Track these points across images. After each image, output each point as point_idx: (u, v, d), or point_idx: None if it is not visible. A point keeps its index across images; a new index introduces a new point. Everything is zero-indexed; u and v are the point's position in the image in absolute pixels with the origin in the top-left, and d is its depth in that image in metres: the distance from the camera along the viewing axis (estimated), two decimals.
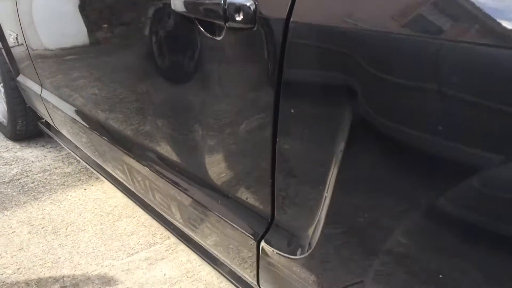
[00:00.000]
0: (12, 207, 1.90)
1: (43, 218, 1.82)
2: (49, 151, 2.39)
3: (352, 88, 0.62)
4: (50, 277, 1.48)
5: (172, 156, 1.10)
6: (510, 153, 0.49)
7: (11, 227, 1.76)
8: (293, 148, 0.76)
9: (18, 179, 2.12)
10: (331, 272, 0.75)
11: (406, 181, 0.60)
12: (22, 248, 1.63)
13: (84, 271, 1.51)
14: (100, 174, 1.68)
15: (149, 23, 1.00)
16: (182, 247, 1.61)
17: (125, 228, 1.74)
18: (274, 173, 0.81)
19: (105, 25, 1.19)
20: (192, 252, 1.22)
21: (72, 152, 1.92)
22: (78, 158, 1.87)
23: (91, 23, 1.24)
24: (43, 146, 2.45)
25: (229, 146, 0.90)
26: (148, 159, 1.21)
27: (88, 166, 1.79)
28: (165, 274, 1.49)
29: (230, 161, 0.92)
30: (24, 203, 1.93)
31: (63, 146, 2.01)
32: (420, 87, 0.54)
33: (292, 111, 0.71)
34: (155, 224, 1.75)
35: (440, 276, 0.59)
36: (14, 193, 2.00)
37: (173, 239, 1.65)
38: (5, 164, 2.26)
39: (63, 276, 1.48)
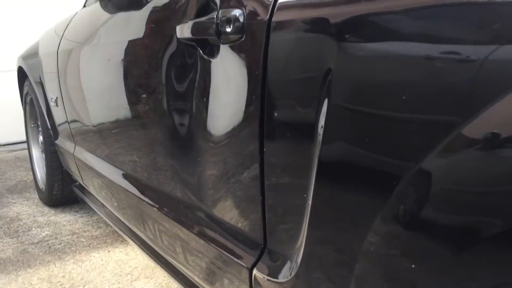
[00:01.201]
0: (35, 265, 1.90)
1: (63, 276, 1.80)
2: (81, 216, 2.43)
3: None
4: None
5: (176, 191, 1.08)
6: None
7: (31, 284, 1.75)
8: (279, 166, 0.73)
9: (47, 241, 2.14)
10: None
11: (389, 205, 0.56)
12: None
13: None
14: (117, 227, 1.68)
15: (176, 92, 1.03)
16: None
17: None
18: (264, 196, 0.78)
19: (137, 91, 1.24)
20: None
21: (98, 211, 1.94)
22: (102, 215, 1.88)
23: (123, 89, 1.30)
24: (76, 211, 2.50)
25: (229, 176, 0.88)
26: (157, 198, 1.20)
27: (107, 220, 1.79)
28: None
29: (232, 194, 0.89)
30: (48, 262, 1.93)
31: (92, 207, 2.04)
32: (411, 94, 0.52)
33: (276, 114, 0.70)
34: (172, 286, 1.69)
35: None
36: (40, 253, 2.01)
37: None
38: (38, 227, 2.30)
39: None
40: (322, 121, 0.61)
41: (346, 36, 0.58)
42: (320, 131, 0.62)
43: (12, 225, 2.33)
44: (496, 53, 0.44)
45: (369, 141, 0.57)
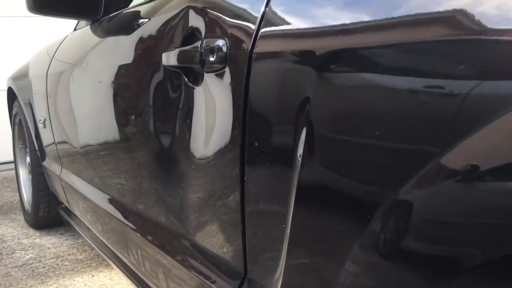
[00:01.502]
0: None
1: None
2: (67, 239, 2.40)
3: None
4: None
5: (159, 217, 1.08)
6: None
7: None
8: (259, 194, 0.74)
9: (31, 264, 2.11)
10: None
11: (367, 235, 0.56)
12: None
13: None
14: (101, 251, 1.66)
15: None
16: None
17: None
18: (244, 224, 0.78)
19: (123, 116, 1.24)
20: None
21: (83, 234, 1.92)
22: (87, 239, 1.86)
23: (110, 113, 1.30)
24: (61, 234, 2.47)
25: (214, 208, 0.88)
26: (141, 224, 1.19)
27: (92, 244, 1.77)
28: None
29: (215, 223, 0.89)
30: (30, 286, 1.90)
31: (78, 230, 2.02)
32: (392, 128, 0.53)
33: (256, 143, 0.70)
34: None
35: None
36: (23, 277, 1.98)
37: None
38: (22, 250, 2.27)
39: None
40: (300, 150, 0.62)
41: (325, 68, 0.59)
42: (299, 159, 0.62)
43: None
44: (474, 88, 0.45)
45: (347, 170, 0.57)
